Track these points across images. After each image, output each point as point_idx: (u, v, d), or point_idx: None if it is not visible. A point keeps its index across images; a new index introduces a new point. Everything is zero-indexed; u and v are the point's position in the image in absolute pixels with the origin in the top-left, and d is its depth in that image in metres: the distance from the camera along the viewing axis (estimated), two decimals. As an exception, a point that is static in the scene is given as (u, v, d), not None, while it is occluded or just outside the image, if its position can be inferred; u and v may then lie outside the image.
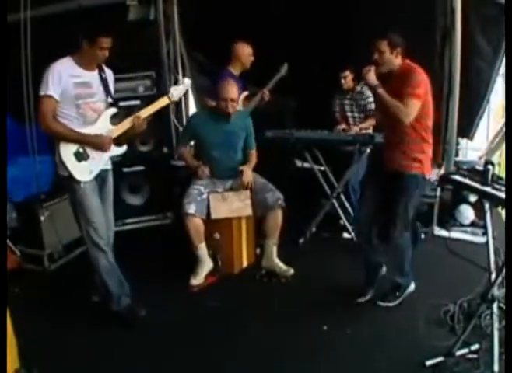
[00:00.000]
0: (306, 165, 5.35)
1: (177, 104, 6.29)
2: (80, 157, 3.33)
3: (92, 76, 3.35)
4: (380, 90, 3.35)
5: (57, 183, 4.47)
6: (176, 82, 6.27)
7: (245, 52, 4.77)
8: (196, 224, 4.09)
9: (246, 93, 4.88)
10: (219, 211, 4.22)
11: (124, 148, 3.57)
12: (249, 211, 4.29)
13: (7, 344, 2.39)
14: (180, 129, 6.05)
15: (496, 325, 2.71)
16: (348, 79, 5.08)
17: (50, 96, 3.16)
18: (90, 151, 3.37)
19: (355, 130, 5.02)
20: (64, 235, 4.58)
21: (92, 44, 3.19)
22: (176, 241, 4.39)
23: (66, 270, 4.53)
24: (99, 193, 3.49)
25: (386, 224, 3.55)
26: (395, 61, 3.39)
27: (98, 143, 3.37)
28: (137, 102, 5.10)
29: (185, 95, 6.42)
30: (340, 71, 5.06)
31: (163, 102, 3.61)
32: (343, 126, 5.17)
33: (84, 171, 3.35)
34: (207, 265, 4.21)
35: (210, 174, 4.30)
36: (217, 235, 4.27)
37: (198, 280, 4.14)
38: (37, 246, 4.45)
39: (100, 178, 3.49)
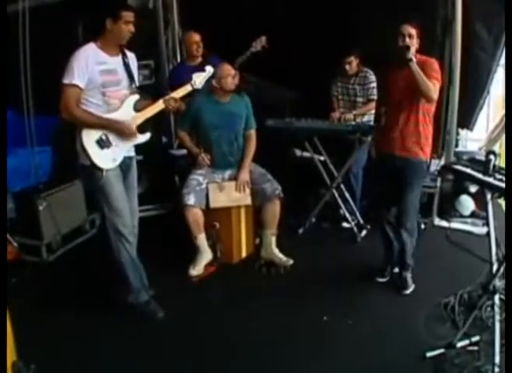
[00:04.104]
0: (305, 154, 5.31)
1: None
2: (103, 144, 3.26)
3: (117, 62, 3.28)
4: (414, 65, 3.36)
5: (58, 174, 4.48)
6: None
7: (189, 40, 4.79)
8: (196, 215, 4.07)
9: None
10: (218, 201, 4.21)
11: (148, 135, 3.48)
12: (248, 201, 4.28)
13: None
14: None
15: (497, 317, 2.70)
16: (353, 65, 4.97)
17: (75, 85, 3.09)
18: (113, 139, 3.30)
19: (349, 117, 4.94)
20: (63, 225, 4.57)
21: (116, 20, 3.13)
22: (174, 231, 4.38)
23: (65, 260, 4.50)
24: (124, 181, 3.43)
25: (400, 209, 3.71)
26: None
27: (124, 129, 3.30)
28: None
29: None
30: (344, 57, 4.95)
31: (185, 89, 3.59)
32: (338, 114, 5.06)
33: (107, 159, 3.28)
34: (206, 255, 4.19)
35: (210, 163, 4.27)
36: (216, 224, 4.26)
37: (197, 270, 4.13)
38: (35, 237, 4.41)
39: (125, 165, 3.44)
